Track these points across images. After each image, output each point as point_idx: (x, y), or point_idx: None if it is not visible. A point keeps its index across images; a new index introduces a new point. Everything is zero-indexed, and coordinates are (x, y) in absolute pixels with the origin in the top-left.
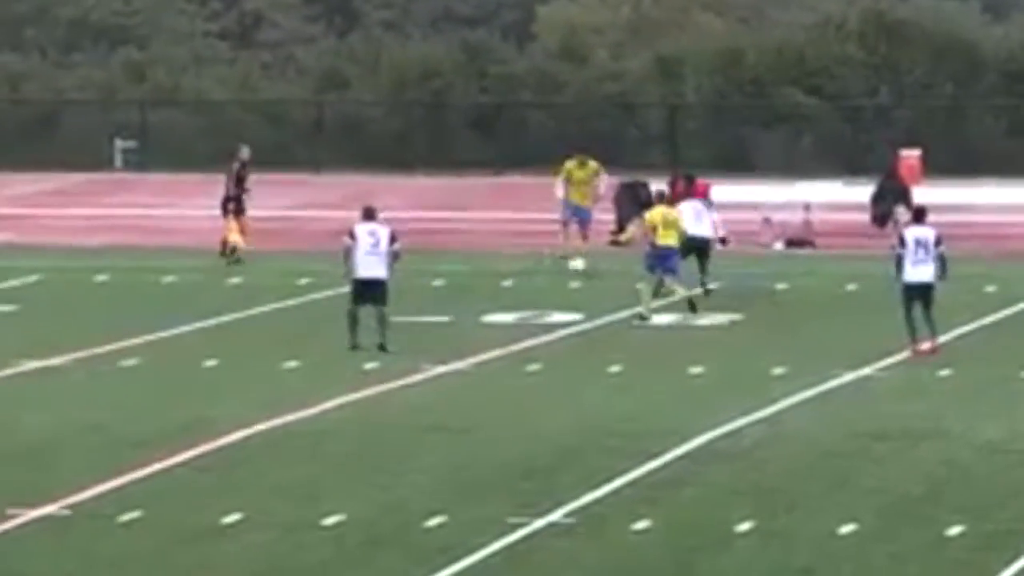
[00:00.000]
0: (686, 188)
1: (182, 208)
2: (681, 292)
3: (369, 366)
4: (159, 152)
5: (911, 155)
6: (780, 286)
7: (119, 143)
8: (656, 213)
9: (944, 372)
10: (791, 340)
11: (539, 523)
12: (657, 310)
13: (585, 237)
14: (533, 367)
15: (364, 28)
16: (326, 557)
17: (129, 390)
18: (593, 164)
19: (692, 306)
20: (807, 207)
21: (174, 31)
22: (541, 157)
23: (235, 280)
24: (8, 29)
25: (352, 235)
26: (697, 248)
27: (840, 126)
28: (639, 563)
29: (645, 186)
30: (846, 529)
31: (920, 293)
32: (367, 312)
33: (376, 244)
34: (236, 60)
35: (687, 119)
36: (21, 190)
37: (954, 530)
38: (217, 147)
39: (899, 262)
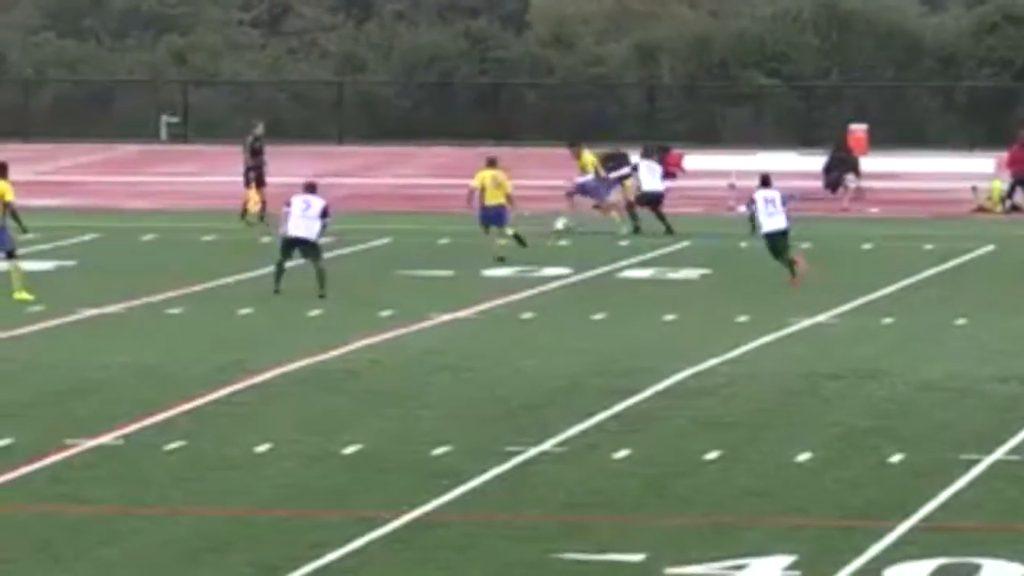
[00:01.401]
0: (661, 159)
1: (219, 176)
2: (509, 234)
3: (384, 313)
4: (199, 127)
5: (858, 129)
6: (743, 244)
7: (164, 119)
8: (485, 175)
9: (887, 320)
10: (753, 291)
11: (533, 451)
12: (633, 265)
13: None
14: (527, 315)
15: (379, 17)
16: (345, 482)
17: (174, 335)
18: (586, 155)
19: (521, 241)
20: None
21: (212, 20)
22: (534, 130)
23: (266, 239)
24: (68, 19)
25: (288, 203)
26: (650, 200)
27: (796, 104)
28: (621, 486)
29: (625, 156)
30: (802, 457)
31: (779, 237)
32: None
33: (307, 210)
34: (266, 46)
35: (663, 98)
36: (79, 159)
37: (896, 458)
38: (250, 122)
39: (754, 218)
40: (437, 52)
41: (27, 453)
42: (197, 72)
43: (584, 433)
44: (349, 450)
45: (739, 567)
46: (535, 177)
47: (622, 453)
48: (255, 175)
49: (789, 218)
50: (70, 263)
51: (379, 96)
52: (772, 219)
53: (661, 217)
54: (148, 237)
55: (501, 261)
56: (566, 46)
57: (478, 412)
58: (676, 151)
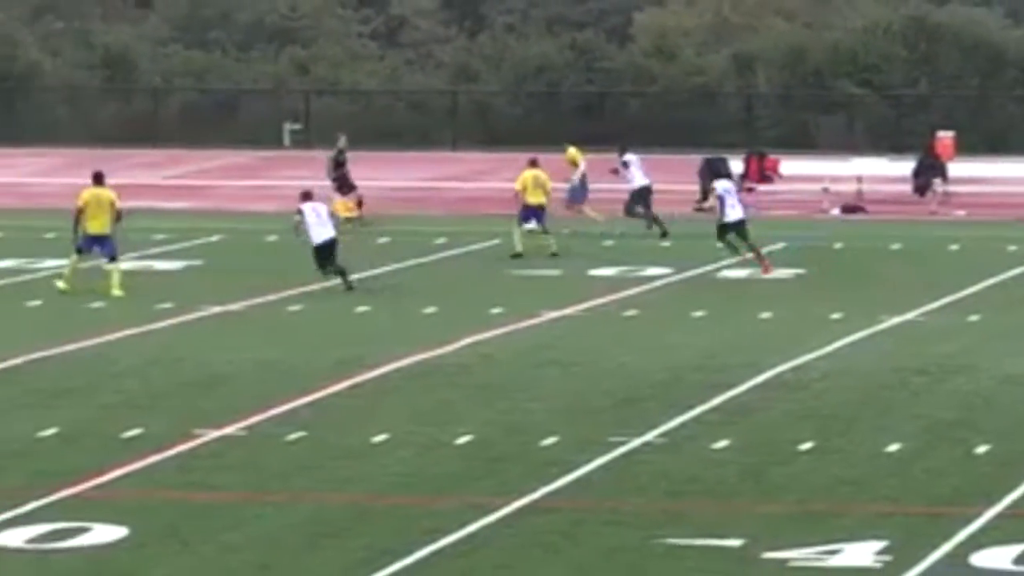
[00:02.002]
0: (758, 163)
1: None
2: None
3: (495, 311)
4: (320, 133)
5: (946, 136)
6: (837, 245)
7: (287, 126)
8: (527, 176)
9: (973, 317)
10: (846, 290)
11: (636, 442)
12: (731, 265)
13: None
14: (631, 312)
15: (491, 30)
16: (457, 471)
17: (295, 331)
18: (571, 151)
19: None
20: (859, 179)
21: (333, 33)
22: (637, 137)
23: (383, 240)
24: (196, 31)
25: (300, 213)
26: (644, 195)
27: (886, 111)
28: (719, 474)
29: (724, 161)
30: (891, 448)
31: (740, 226)
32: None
33: (319, 216)
34: (384, 57)
35: (759, 106)
36: (206, 165)
37: (981, 449)
38: (369, 129)
39: (722, 206)
40: (546, 63)
41: (157, 442)
42: (318, 82)
43: (684, 424)
44: (461, 440)
45: (832, 552)
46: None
47: (721, 443)
48: (340, 184)
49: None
50: (197, 263)
51: (491, 104)
52: (733, 210)
53: (647, 207)
54: (271, 238)
55: (555, 256)
56: (668, 57)
57: (584, 404)
58: (772, 157)
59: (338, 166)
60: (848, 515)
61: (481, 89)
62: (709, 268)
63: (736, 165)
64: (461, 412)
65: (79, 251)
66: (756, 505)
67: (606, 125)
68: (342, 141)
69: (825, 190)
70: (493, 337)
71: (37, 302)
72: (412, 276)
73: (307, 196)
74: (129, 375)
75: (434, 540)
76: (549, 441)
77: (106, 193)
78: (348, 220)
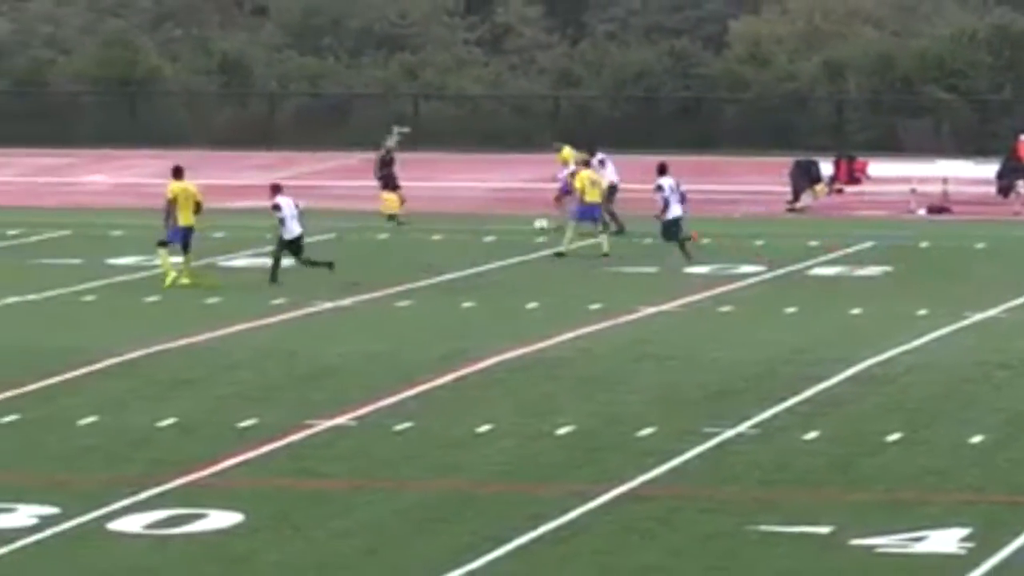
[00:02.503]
0: (848, 166)
1: (447, 182)
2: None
3: (594, 306)
4: (428, 137)
5: None
6: (923, 244)
7: (396, 129)
8: (584, 176)
9: None
10: (932, 288)
11: (730, 433)
12: (822, 263)
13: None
14: (726, 308)
15: (592, 37)
16: (558, 460)
17: (403, 325)
18: (566, 150)
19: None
20: (945, 181)
21: (441, 40)
22: (732, 140)
23: (489, 238)
24: (309, 38)
25: (278, 207)
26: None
27: (971, 116)
28: (809, 464)
29: (815, 163)
30: (975, 439)
31: (678, 223)
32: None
33: (294, 210)
34: (489, 63)
35: (849, 110)
36: (318, 166)
37: None
38: (474, 132)
39: (667, 205)
40: (644, 69)
41: (271, 432)
42: (426, 87)
43: (777, 416)
44: (562, 431)
45: (918, 539)
46: (734, 183)
47: (811, 434)
48: (386, 182)
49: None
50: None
51: (591, 109)
52: (675, 207)
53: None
54: (382, 236)
55: (607, 256)
56: (761, 63)
57: (680, 396)
58: (861, 159)
59: (384, 165)
60: (933, 503)
61: (582, 94)
62: (800, 266)
63: (826, 167)
64: (562, 403)
65: (164, 244)
66: (845, 493)
67: (702, 129)
68: (391, 141)
69: (912, 191)
70: (592, 332)
71: (155, 298)
72: (515, 273)
73: (277, 189)
74: (244, 368)
75: (536, 526)
76: (646, 431)
77: (191, 186)
78: (391, 217)
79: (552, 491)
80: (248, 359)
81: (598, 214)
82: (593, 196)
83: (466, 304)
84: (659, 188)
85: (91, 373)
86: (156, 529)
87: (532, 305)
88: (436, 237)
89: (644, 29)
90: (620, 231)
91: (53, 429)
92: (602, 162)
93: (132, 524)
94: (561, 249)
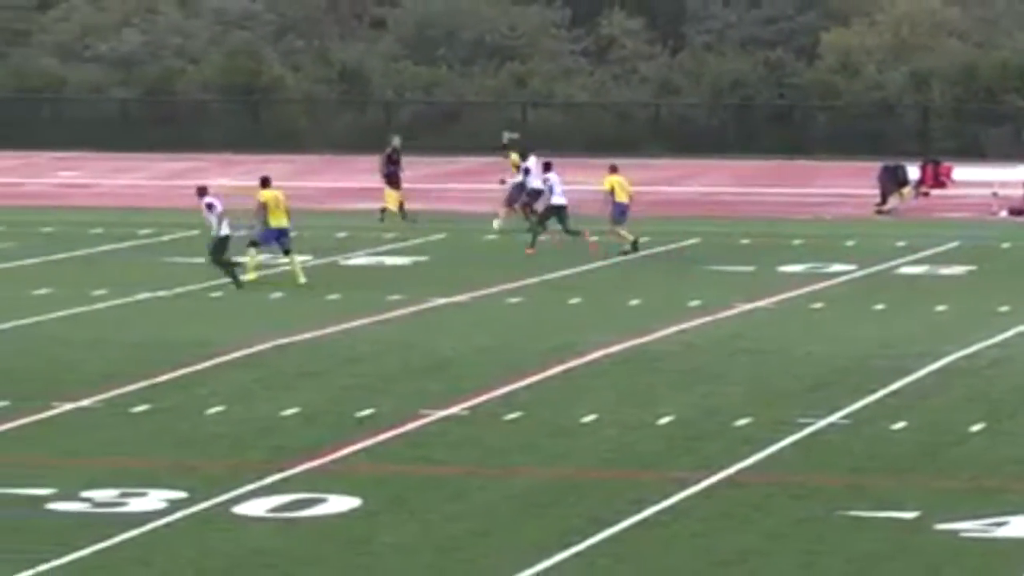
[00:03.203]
0: (933, 170)
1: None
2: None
3: (693, 303)
4: (536, 142)
5: None
6: (1005, 245)
7: (506, 135)
8: (613, 180)
9: None
10: (1014, 285)
11: (822, 423)
12: (909, 263)
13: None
14: (817, 305)
15: (691, 48)
16: (659, 448)
17: (513, 320)
18: (514, 156)
19: (634, 246)
20: None
21: (548, 51)
22: (823, 146)
23: (593, 238)
24: (424, 48)
25: (212, 206)
26: (557, 210)
27: None
28: (897, 453)
29: (903, 168)
30: None
31: (561, 210)
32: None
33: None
34: (594, 72)
35: (934, 118)
36: (432, 170)
37: None
38: (579, 138)
39: (551, 190)
40: (740, 78)
41: (388, 421)
42: (534, 95)
43: (866, 407)
44: (663, 420)
45: (1000, 524)
46: (825, 186)
47: (899, 424)
48: (389, 180)
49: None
50: (424, 259)
51: (690, 116)
52: (556, 196)
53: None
54: (491, 237)
55: (636, 248)
56: (851, 73)
57: (775, 388)
58: (946, 164)
59: (390, 163)
60: (1016, 491)
61: (681, 102)
62: (889, 265)
63: (913, 172)
64: (663, 395)
65: (255, 244)
66: (931, 480)
67: (795, 135)
68: (396, 141)
69: (994, 194)
70: (692, 327)
71: (279, 294)
72: (619, 271)
73: (203, 191)
74: (363, 360)
75: (638, 511)
76: (743, 421)
77: (280, 193)
78: (389, 213)
79: (653, 477)
80: (367, 352)
81: (626, 212)
82: (621, 197)
83: (573, 300)
84: (545, 180)
85: (219, 365)
86: (279, 513)
87: (635, 302)
88: (543, 237)
89: (740, 40)
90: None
91: (183, 418)
92: (526, 170)
93: (256, 508)
94: (626, 246)
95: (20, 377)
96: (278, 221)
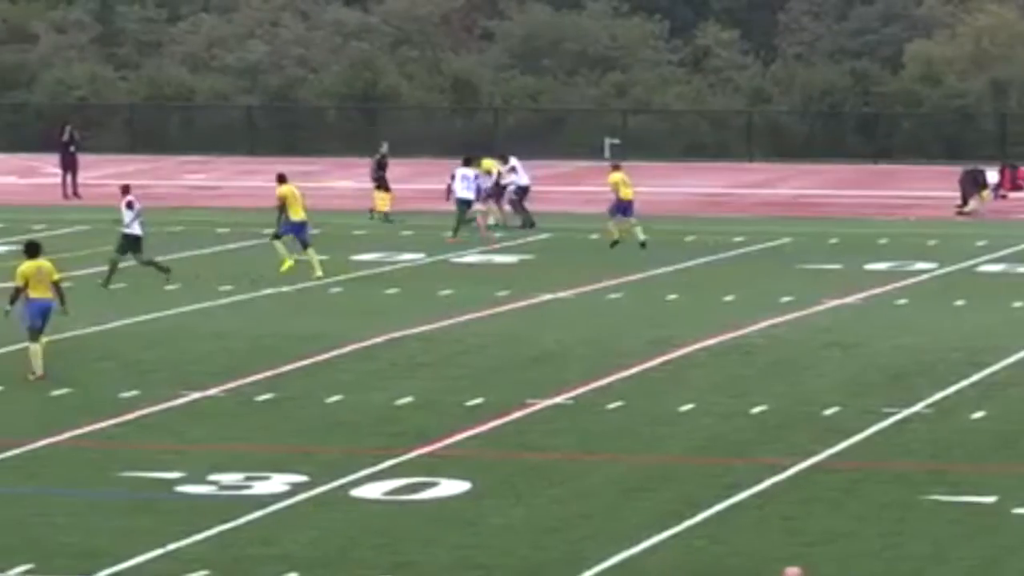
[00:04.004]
0: (1011, 174)
1: (653, 188)
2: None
3: (785, 299)
4: (636, 147)
5: None
6: None
7: (607, 140)
8: (617, 176)
9: None
10: None
11: (905, 412)
12: (988, 261)
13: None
14: (901, 301)
15: (782, 58)
16: (752, 436)
17: (614, 315)
18: (486, 162)
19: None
20: None
21: (647, 61)
22: (907, 152)
23: (690, 238)
24: (530, 58)
25: (133, 205)
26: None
27: None
28: (977, 440)
29: (982, 172)
30: None
31: (467, 205)
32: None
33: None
34: (690, 81)
35: (1012, 124)
36: (537, 173)
37: None
38: (677, 144)
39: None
40: (829, 87)
41: (496, 410)
42: (634, 102)
43: (947, 397)
44: (756, 410)
45: None
46: (908, 189)
47: (978, 414)
48: (379, 183)
49: (479, 190)
50: (531, 257)
51: (781, 122)
52: (466, 191)
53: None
54: (593, 236)
55: (644, 246)
56: (933, 82)
57: (861, 380)
58: (1023, 168)
59: (379, 168)
60: None
61: (773, 109)
62: (969, 263)
63: (992, 175)
64: (755, 385)
65: (278, 237)
66: (1009, 467)
67: (880, 141)
68: (384, 147)
69: None
70: (783, 321)
71: (395, 290)
72: (713, 269)
73: (126, 190)
74: (473, 352)
75: (732, 495)
76: (831, 411)
77: (296, 189)
78: (384, 214)
79: (746, 463)
80: (477, 344)
81: (631, 208)
82: (626, 194)
83: (670, 296)
84: (452, 176)
85: (338, 357)
86: (394, 495)
87: (729, 297)
88: (642, 237)
89: (829, 52)
90: (531, 226)
91: (304, 406)
92: (513, 168)
93: (373, 491)
94: (641, 239)
95: (150, 368)
96: (296, 215)
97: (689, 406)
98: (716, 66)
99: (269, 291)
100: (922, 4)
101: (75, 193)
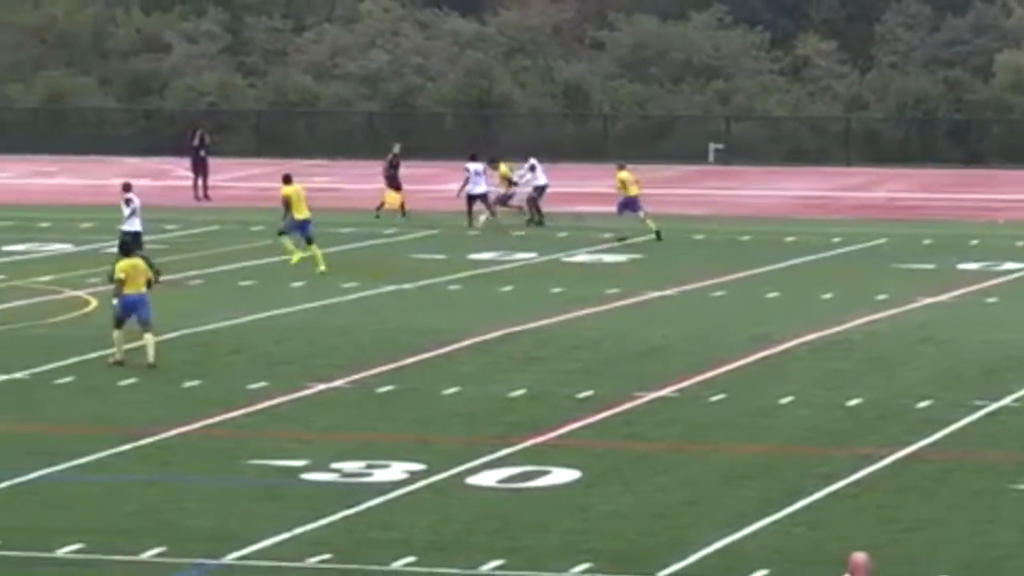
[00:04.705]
0: None
1: (755, 191)
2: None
3: (880, 297)
4: (739, 152)
5: None
6: None
7: (712, 146)
8: (624, 175)
9: None
10: None
11: (995, 405)
12: None
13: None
14: (992, 300)
15: (878, 68)
16: (848, 428)
17: (717, 311)
18: (503, 168)
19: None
20: None
21: (749, 69)
22: (998, 157)
23: (790, 239)
24: (638, 67)
25: (130, 200)
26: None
27: None
28: None
29: None
30: None
31: (482, 198)
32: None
33: (136, 207)
34: (790, 89)
35: None
36: (645, 177)
37: None
38: (777, 149)
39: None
40: (922, 94)
41: (605, 401)
42: (737, 109)
43: None
44: (852, 402)
45: None
46: (998, 193)
47: None
48: (390, 182)
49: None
50: (639, 256)
51: (877, 129)
52: (478, 186)
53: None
54: (698, 236)
55: (660, 237)
56: (1023, 90)
57: (953, 374)
58: None
59: (392, 167)
60: None
61: (870, 116)
62: None
63: None
64: (852, 379)
65: (283, 233)
66: None
67: (971, 147)
68: (396, 148)
69: None
70: (879, 318)
71: (509, 287)
72: (812, 268)
73: (128, 187)
74: (583, 347)
75: (829, 484)
76: (924, 403)
77: (302, 188)
78: (396, 211)
79: (843, 454)
80: (587, 340)
81: (636, 206)
82: (633, 191)
83: (771, 294)
84: (466, 170)
85: (456, 350)
86: (508, 483)
87: (828, 295)
88: (745, 238)
89: (923, 61)
90: (540, 223)
91: (423, 398)
92: (533, 168)
93: (487, 479)
94: (655, 229)
95: (278, 360)
96: (301, 213)
97: (789, 398)
98: (815, 75)
99: (391, 288)
100: (1011, 16)
101: (205, 195)
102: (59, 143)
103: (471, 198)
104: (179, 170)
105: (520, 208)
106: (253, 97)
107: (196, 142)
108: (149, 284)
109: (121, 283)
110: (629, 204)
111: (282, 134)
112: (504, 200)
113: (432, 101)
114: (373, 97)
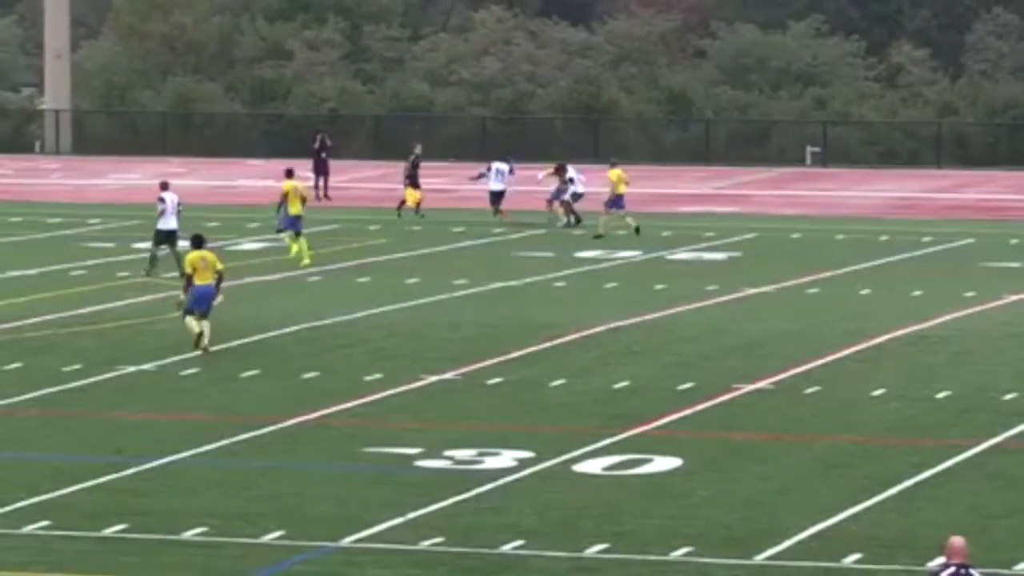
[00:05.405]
0: None
1: (850, 192)
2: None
3: (968, 294)
4: (835, 155)
5: None
6: None
7: (809, 149)
8: (614, 173)
9: None
10: None
11: None
12: None
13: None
14: None
15: (968, 75)
16: (937, 419)
17: (812, 307)
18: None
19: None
20: None
21: (846, 76)
22: None
23: (883, 238)
24: (739, 75)
25: (162, 199)
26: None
27: None
28: None
29: None
30: None
31: (498, 196)
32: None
33: (172, 205)
34: (884, 95)
35: None
36: (745, 179)
37: None
38: (873, 153)
39: (486, 175)
40: (1011, 101)
41: (705, 393)
42: (833, 114)
43: None
44: (941, 395)
45: None
46: None
47: None
48: (411, 182)
49: (509, 183)
50: (737, 254)
51: (968, 133)
52: (496, 183)
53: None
54: (795, 236)
55: (639, 232)
56: None
57: None
58: None
59: (413, 167)
60: None
61: (960, 121)
62: None
63: None
64: (941, 373)
65: (281, 230)
66: None
67: None
68: (418, 149)
69: None
70: (967, 315)
71: (613, 284)
72: (904, 266)
73: (164, 186)
74: (684, 341)
75: (919, 473)
76: (1010, 396)
77: (300, 184)
78: (415, 209)
79: (932, 444)
80: (688, 334)
81: (622, 204)
82: (621, 189)
83: (864, 291)
84: (488, 168)
85: (562, 344)
86: (612, 471)
87: (917, 292)
88: (840, 237)
89: (1011, 69)
90: (578, 222)
91: (531, 389)
92: (571, 180)
93: (592, 467)
94: (635, 226)
95: (392, 354)
96: (294, 209)
97: (880, 391)
98: (908, 82)
99: (498, 284)
100: None
101: (326, 195)
102: (187, 146)
103: (493, 195)
104: (302, 172)
105: (562, 210)
106: (371, 102)
107: (317, 145)
108: (220, 279)
109: (190, 277)
110: (615, 202)
111: (399, 138)
112: (570, 201)
113: (542, 107)
114: (486, 103)
